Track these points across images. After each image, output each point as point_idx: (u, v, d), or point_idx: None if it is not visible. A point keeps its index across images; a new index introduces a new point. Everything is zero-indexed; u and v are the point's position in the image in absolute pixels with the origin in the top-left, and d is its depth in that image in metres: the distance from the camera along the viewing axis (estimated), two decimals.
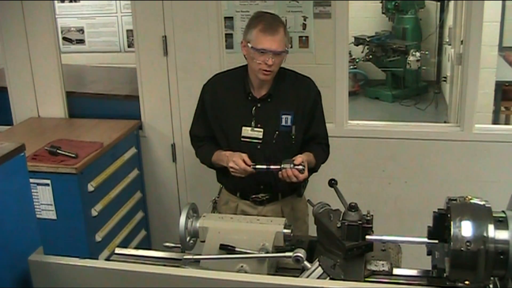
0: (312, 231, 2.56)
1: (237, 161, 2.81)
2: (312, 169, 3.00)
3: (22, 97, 4.21)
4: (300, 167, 2.77)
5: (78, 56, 6.08)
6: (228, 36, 4.26)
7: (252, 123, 2.94)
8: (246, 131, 2.94)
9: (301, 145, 2.98)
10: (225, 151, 2.93)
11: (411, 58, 7.99)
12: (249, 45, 2.81)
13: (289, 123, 2.93)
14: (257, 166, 2.81)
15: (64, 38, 6.20)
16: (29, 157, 3.26)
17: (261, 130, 2.93)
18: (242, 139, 2.94)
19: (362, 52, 8.47)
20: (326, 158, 3.10)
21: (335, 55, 3.84)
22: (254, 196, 3.03)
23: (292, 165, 2.77)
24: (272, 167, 2.81)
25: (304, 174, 2.79)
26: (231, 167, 2.83)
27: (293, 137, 2.94)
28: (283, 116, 2.93)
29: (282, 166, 2.78)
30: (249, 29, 2.85)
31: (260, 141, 2.93)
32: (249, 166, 2.81)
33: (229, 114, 2.98)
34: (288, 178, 2.79)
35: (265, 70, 2.80)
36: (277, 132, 2.93)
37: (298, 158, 2.79)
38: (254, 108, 2.94)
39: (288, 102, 2.94)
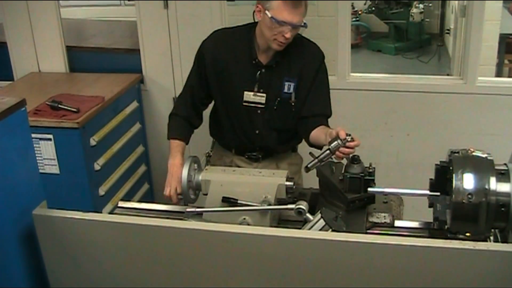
0: (315, 183, 2.57)
1: (171, 185, 2.67)
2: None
3: (22, 52, 4.17)
4: (349, 138, 2.36)
5: (78, 10, 6.02)
6: None
7: (255, 87, 2.84)
8: (249, 96, 2.84)
9: (305, 124, 2.84)
10: (174, 161, 2.81)
11: (414, 10, 7.92)
12: (268, 13, 2.62)
13: (291, 90, 2.83)
14: (309, 165, 2.45)
15: None
16: (31, 112, 3.26)
17: (264, 95, 2.83)
18: (244, 103, 2.85)
19: (365, 4, 8.37)
20: None
21: (338, 7, 3.78)
22: (249, 153, 3.00)
23: (341, 141, 2.37)
24: (322, 156, 2.43)
25: (355, 142, 2.38)
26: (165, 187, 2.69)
27: (293, 104, 2.85)
28: (286, 83, 2.82)
29: (331, 147, 2.39)
30: None
31: (262, 106, 2.84)
32: (178, 195, 2.63)
33: (232, 77, 2.87)
34: (346, 155, 2.40)
35: (281, 42, 2.69)
36: (278, 99, 2.84)
37: (341, 132, 2.38)
38: (258, 73, 2.83)
39: (292, 69, 2.83)
